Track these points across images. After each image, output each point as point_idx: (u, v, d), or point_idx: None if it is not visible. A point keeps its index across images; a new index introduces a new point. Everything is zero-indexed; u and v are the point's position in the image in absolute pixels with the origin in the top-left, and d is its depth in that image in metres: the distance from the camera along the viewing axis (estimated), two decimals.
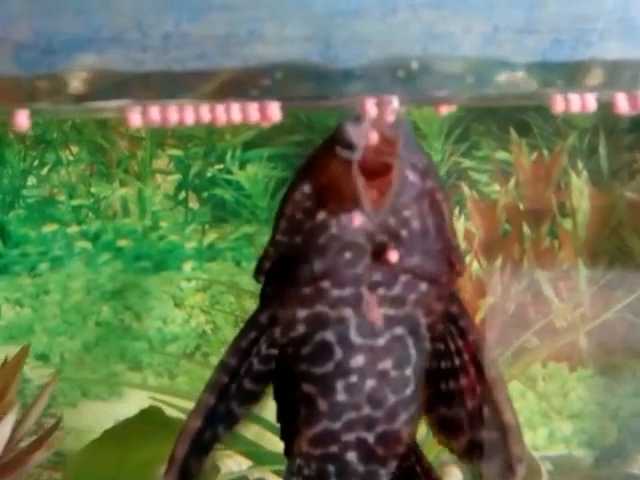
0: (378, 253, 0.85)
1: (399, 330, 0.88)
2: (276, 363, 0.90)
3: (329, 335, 0.87)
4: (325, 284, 0.86)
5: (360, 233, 0.85)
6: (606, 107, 0.79)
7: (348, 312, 0.87)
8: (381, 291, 0.86)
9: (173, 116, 0.74)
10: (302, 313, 0.88)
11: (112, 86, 0.72)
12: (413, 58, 0.74)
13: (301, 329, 0.88)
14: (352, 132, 0.82)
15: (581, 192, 2.02)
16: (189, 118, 0.75)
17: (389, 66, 0.74)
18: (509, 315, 1.97)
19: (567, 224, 2.05)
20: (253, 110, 0.75)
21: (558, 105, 0.79)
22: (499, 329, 1.90)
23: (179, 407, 1.59)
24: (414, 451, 0.93)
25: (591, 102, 0.79)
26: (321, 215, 0.85)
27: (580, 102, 0.79)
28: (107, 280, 2.13)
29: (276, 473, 1.65)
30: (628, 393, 2.02)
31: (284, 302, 0.88)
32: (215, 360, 0.94)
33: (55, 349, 2.06)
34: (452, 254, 0.89)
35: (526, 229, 2.04)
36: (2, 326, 2.06)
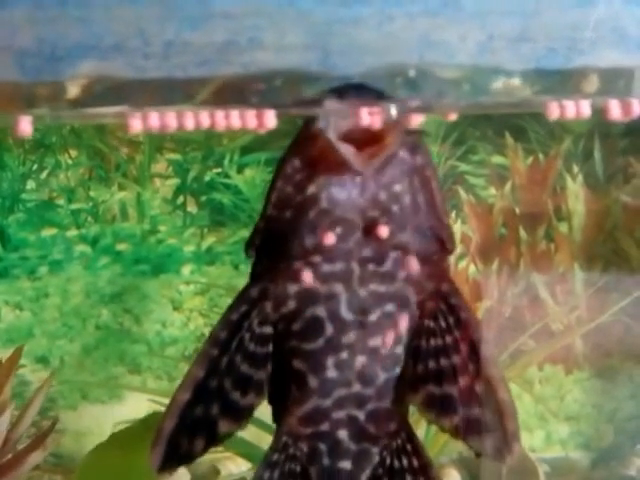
0: (369, 228, 0.85)
1: (390, 307, 0.87)
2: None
3: (320, 310, 0.87)
4: (316, 259, 0.86)
5: (351, 208, 0.84)
6: (600, 113, 0.80)
7: (339, 287, 0.86)
8: (371, 267, 0.86)
9: (172, 122, 0.76)
10: (293, 288, 0.87)
11: (114, 93, 0.74)
12: (410, 66, 0.75)
13: (292, 304, 0.88)
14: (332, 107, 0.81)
15: (577, 196, 2.02)
16: (189, 124, 0.76)
17: (386, 74, 0.75)
18: (505, 318, 1.97)
19: (563, 228, 2.05)
20: (250, 117, 0.76)
21: (553, 112, 0.80)
22: (496, 332, 1.91)
23: None
24: (404, 429, 0.92)
25: (585, 108, 0.80)
26: (311, 189, 0.84)
27: (575, 109, 0.80)
28: (106, 283, 2.13)
29: None
30: (624, 395, 2.02)
31: (275, 277, 0.88)
32: None
33: (55, 352, 2.07)
34: (442, 232, 0.88)
35: (522, 232, 2.04)
36: (2, 329, 2.07)
